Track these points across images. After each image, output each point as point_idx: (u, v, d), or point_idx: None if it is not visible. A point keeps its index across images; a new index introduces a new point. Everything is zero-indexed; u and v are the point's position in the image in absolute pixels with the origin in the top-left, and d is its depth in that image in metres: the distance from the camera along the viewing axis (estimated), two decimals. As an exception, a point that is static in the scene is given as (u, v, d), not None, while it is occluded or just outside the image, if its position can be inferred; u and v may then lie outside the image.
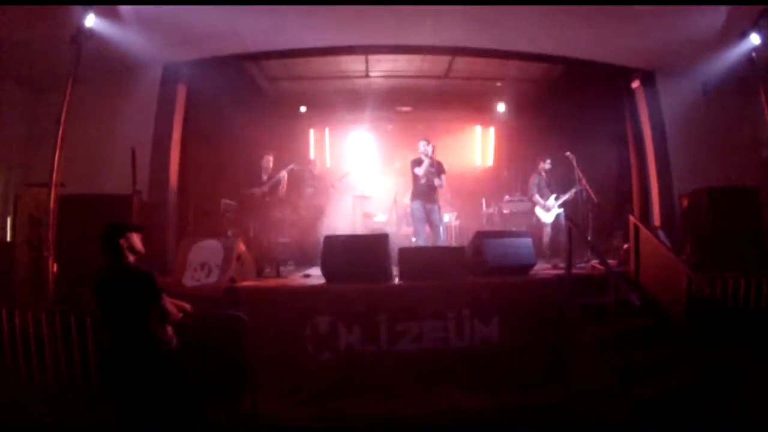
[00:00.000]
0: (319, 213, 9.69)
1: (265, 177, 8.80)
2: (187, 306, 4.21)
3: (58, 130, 6.10)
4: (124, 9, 6.61)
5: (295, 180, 9.42)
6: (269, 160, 8.95)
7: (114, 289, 3.78)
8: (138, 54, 7.48)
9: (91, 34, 6.24)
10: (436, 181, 8.27)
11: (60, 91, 6.17)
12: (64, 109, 6.12)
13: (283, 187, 8.81)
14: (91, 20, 6.22)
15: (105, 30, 6.58)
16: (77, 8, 6.16)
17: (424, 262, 6.73)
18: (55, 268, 6.09)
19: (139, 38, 7.11)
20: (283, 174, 8.75)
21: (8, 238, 8.04)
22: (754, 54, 6.97)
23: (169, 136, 8.55)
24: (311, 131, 12.50)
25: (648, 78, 9.25)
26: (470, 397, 5.79)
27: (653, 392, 5.12)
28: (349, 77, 10.88)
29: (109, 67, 7.85)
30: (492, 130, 12.88)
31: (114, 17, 6.61)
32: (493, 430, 5.26)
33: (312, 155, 12.13)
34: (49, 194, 6.11)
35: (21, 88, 8.68)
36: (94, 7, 6.23)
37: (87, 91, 6.98)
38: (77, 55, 6.14)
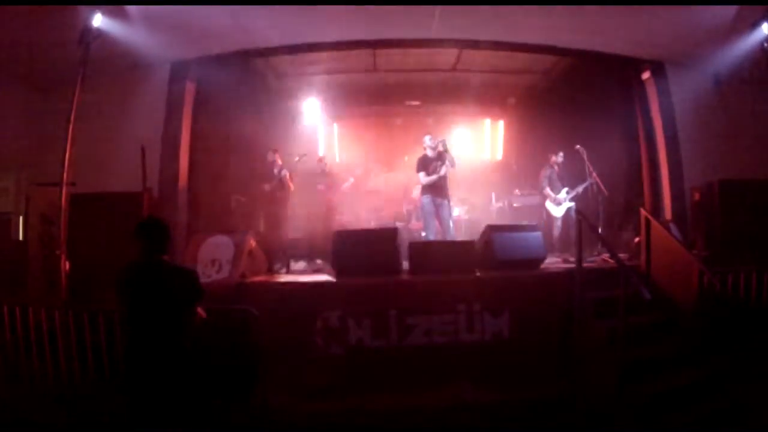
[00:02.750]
0: (329, 207, 9.71)
1: (276, 172, 8.82)
2: (203, 312, 4.10)
3: (68, 129, 6.14)
4: (131, 7, 6.64)
5: (307, 176, 9.43)
6: (276, 156, 8.97)
7: (155, 286, 3.63)
8: (146, 52, 7.54)
9: (98, 33, 6.29)
10: (445, 169, 8.29)
11: (69, 91, 6.22)
12: (74, 109, 6.16)
13: (289, 183, 8.81)
14: (98, 20, 6.26)
15: (112, 29, 6.62)
16: (84, 8, 6.20)
17: (434, 256, 6.74)
18: (67, 266, 6.15)
19: (147, 36, 7.15)
20: (285, 172, 8.74)
21: (20, 237, 8.11)
22: (766, 44, 6.90)
23: (179, 134, 8.60)
24: (320, 126, 12.47)
25: (658, 69, 9.16)
26: (480, 391, 5.80)
27: (663, 387, 5.10)
28: (357, 72, 10.86)
29: (118, 66, 7.91)
30: (501, 123, 12.81)
31: (121, 16, 6.65)
32: (503, 425, 5.25)
33: (321, 150, 12.14)
34: (60, 193, 6.16)
35: (30, 88, 8.75)
36: (101, 6, 6.26)
37: (96, 90, 7.04)
38: (85, 54, 6.18)
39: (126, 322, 3.74)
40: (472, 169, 11.69)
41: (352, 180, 10.33)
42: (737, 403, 5.02)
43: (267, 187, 8.66)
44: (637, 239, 7.41)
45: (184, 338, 3.70)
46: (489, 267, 6.70)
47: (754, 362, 5.29)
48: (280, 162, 8.89)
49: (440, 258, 6.67)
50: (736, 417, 4.91)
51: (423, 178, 8.34)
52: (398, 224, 9.71)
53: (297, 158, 9.01)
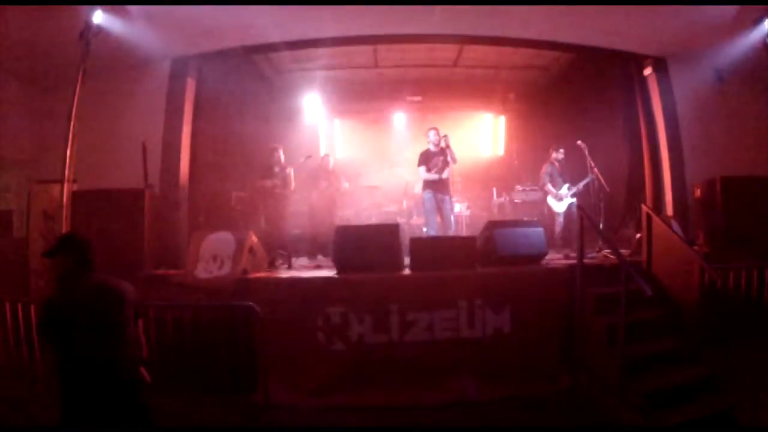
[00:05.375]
0: (331, 204, 9.72)
1: (277, 169, 8.82)
2: (147, 375, 3.40)
3: (69, 126, 6.14)
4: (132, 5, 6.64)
5: (310, 173, 9.43)
6: (280, 153, 8.98)
7: (97, 309, 3.13)
8: (146, 49, 7.52)
9: (99, 30, 6.29)
10: (448, 172, 8.33)
11: (70, 89, 6.22)
12: (74, 106, 6.16)
13: (291, 182, 8.83)
14: (98, 16, 6.26)
15: (113, 26, 6.63)
16: (85, 6, 6.20)
17: (435, 251, 6.72)
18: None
19: (147, 33, 7.14)
20: (290, 170, 8.76)
21: (23, 234, 8.12)
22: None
23: (179, 130, 8.58)
24: (321, 122, 12.47)
25: (660, 65, 9.12)
26: (481, 387, 5.81)
27: (664, 384, 5.12)
28: (358, 67, 10.85)
29: (118, 63, 7.88)
30: (503, 118, 12.79)
31: (121, 13, 6.65)
32: (504, 420, 5.26)
33: (321, 146, 12.14)
34: (62, 190, 6.17)
35: (32, 86, 8.74)
36: (102, 5, 6.28)
37: (97, 88, 7.04)
38: (85, 51, 6.17)
39: (63, 355, 3.10)
40: (474, 165, 11.71)
41: (346, 185, 10.30)
42: (737, 400, 5.03)
43: (269, 183, 8.66)
44: (638, 235, 7.40)
45: (134, 362, 3.28)
46: (490, 262, 6.69)
47: (754, 359, 5.31)
48: (282, 159, 8.90)
49: (441, 254, 6.66)
50: (735, 414, 4.92)
51: (423, 173, 8.41)
52: (399, 220, 9.72)
53: (302, 159, 9.02)
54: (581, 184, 8.81)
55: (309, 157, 9.06)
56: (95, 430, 3.02)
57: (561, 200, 9.08)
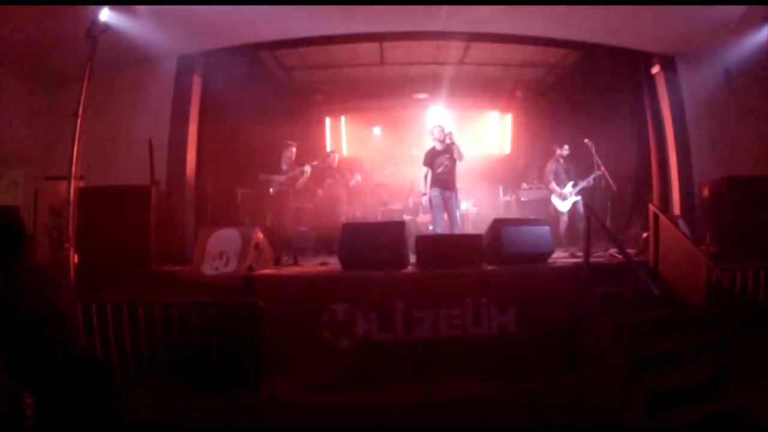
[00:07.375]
0: (336, 202, 9.73)
1: (284, 167, 8.84)
2: None
3: (76, 123, 6.15)
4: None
5: (315, 170, 9.45)
6: (293, 151, 9.00)
7: (36, 297, 2.85)
8: (153, 46, 7.54)
9: (105, 27, 6.29)
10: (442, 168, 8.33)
11: (77, 86, 6.22)
12: (81, 103, 6.17)
13: (303, 182, 8.86)
14: (105, 14, 6.27)
15: (119, 23, 6.64)
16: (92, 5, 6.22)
17: (441, 249, 6.71)
18: (75, 259, 6.18)
19: (154, 31, 7.16)
20: (307, 168, 8.79)
21: (29, 230, 8.15)
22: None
23: (186, 127, 8.62)
24: (327, 120, 12.48)
25: (668, 63, 9.06)
26: (486, 384, 5.79)
27: (669, 383, 5.10)
28: (364, 65, 10.84)
29: (125, 60, 7.93)
30: (509, 116, 12.75)
31: (128, 11, 6.66)
32: (509, 419, 5.25)
33: (328, 144, 12.15)
34: (69, 187, 6.19)
35: (38, 84, 8.76)
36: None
37: (103, 85, 7.07)
38: (92, 48, 6.18)
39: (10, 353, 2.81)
40: (480, 163, 11.66)
41: (358, 177, 10.31)
42: (742, 401, 5.00)
43: (276, 178, 8.69)
44: (645, 235, 7.37)
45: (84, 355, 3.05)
46: (496, 261, 6.66)
47: (760, 361, 5.27)
48: (293, 157, 8.93)
49: (448, 251, 6.64)
50: (741, 416, 4.89)
51: (428, 173, 8.39)
52: (406, 217, 9.71)
53: (313, 163, 9.06)
54: (584, 182, 8.79)
55: (314, 163, 9.11)
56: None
57: (565, 199, 9.07)
